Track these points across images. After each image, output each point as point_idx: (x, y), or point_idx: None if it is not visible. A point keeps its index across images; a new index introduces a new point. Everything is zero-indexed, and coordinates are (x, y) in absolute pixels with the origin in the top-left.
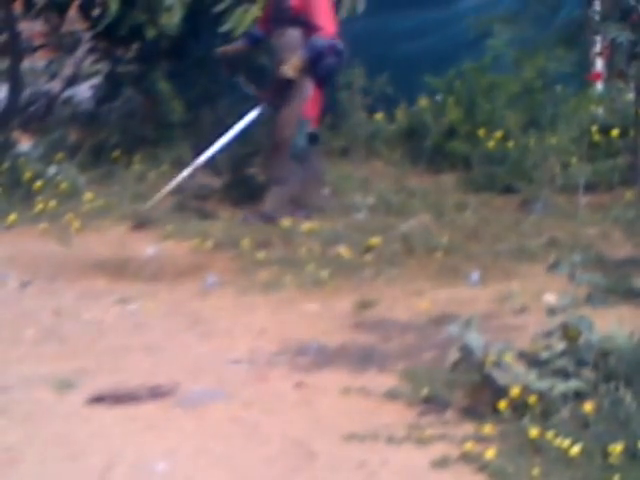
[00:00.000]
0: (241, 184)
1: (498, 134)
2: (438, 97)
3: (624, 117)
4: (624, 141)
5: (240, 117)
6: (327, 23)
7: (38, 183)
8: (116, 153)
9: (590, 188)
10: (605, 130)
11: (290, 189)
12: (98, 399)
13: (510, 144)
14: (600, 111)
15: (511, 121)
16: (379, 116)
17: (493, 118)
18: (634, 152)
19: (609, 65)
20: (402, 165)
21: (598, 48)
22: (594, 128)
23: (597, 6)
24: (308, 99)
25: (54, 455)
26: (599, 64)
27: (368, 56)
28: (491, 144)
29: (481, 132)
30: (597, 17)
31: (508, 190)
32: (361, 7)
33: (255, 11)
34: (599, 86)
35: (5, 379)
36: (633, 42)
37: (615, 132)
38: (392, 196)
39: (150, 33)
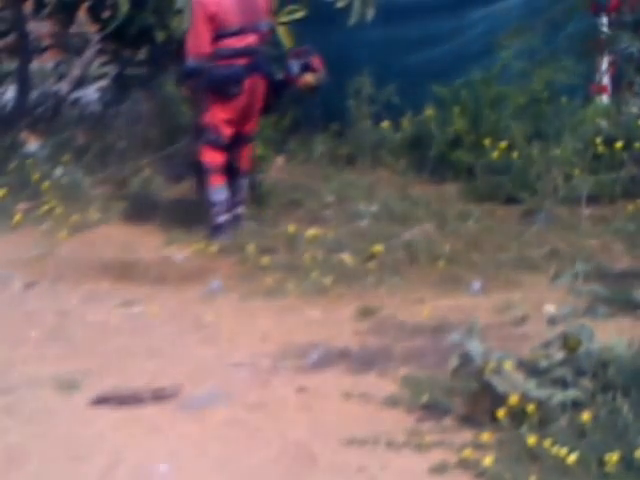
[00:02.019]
0: (249, 189)
1: (503, 145)
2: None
3: (628, 130)
4: (628, 154)
5: None
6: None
7: (44, 184)
8: (123, 156)
9: (592, 200)
10: (609, 142)
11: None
12: (101, 401)
13: (514, 155)
14: (605, 123)
15: (516, 132)
16: (385, 125)
17: (498, 128)
18: (638, 164)
19: (615, 78)
20: (406, 174)
21: (606, 60)
22: (598, 140)
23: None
24: (206, 109)
25: (57, 455)
26: (605, 76)
27: (375, 65)
28: (495, 154)
29: (486, 142)
30: (607, 28)
31: (511, 200)
32: (370, 15)
33: None
34: (604, 98)
35: (9, 380)
36: None
37: (619, 144)
38: (396, 204)
39: (160, 36)
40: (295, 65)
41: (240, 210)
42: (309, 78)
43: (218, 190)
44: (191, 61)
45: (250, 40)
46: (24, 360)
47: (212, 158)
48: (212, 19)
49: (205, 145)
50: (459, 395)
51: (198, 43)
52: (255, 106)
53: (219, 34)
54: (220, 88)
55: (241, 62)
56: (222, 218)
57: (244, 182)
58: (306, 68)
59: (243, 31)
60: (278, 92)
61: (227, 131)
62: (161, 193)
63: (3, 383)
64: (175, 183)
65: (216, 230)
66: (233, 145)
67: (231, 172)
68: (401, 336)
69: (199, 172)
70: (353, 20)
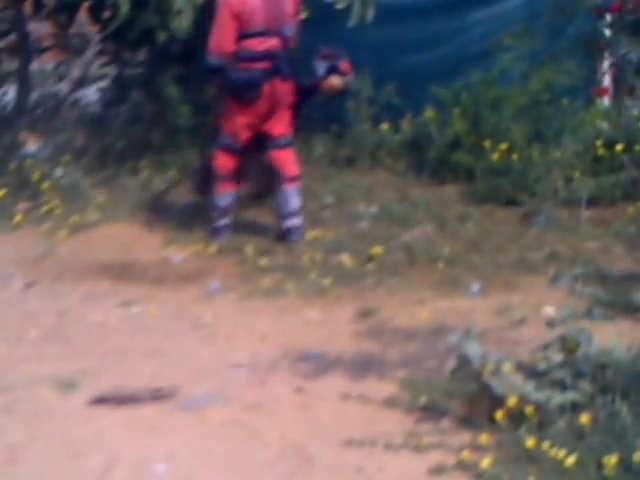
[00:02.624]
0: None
1: (503, 146)
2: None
3: (629, 132)
4: (628, 156)
5: None
6: (212, 40)
7: (44, 184)
8: (122, 157)
9: (592, 202)
10: (609, 145)
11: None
12: (100, 400)
13: (514, 157)
14: (605, 126)
15: (516, 134)
16: (384, 126)
17: (498, 130)
18: (638, 167)
19: (616, 80)
20: (406, 175)
21: (607, 62)
22: (599, 143)
23: (608, 20)
24: (223, 112)
25: (55, 454)
26: (606, 79)
27: (375, 66)
28: (495, 156)
29: (486, 144)
30: (608, 31)
31: (511, 202)
32: (370, 16)
33: None
34: (605, 101)
35: (8, 378)
36: None
37: (619, 147)
38: (395, 206)
39: (160, 37)
40: (321, 66)
41: (293, 222)
42: (335, 81)
43: (225, 196)
44: (213, 59)
45: (272, 43)
46: (23, 359)
47: (224, 163)
48: (237, 18)
49: (219, 148)
50: (457, 397)
51: (221, 41)
52: (278, 110)
53: (242, 34)
54: (238, 92)
55: (261, 66)
56: (222, 222)
57: (293, 191)
58: (333, 70)
59: (266, 33)
60: (305, 95)
61: (244, 135)
62: (160, 194)
63: (2, 382)
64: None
65: (215, 233)
66: (264, 151)
67: (276, 180)
68: (400, 337)
69: (205, 173)
70: (353, 21)
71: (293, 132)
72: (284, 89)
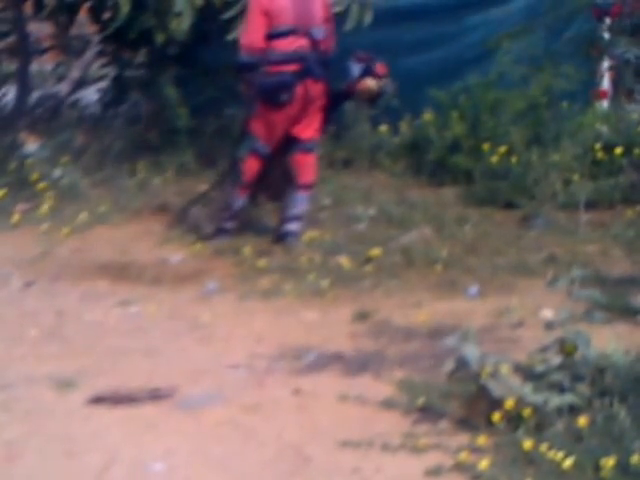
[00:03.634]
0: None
1: (501, 149)
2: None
3: (628, 135)
4: (627, 159)
5: None
6: (243, 37)
7: (43, 184)
8: (121, 158)
9: (591, 205)
10: (609, 148)
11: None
12: (98, 399)
13: (513, 160)
14: (604, 129)
15: (515, 137)
16: (383, 128)
17: (497, 133)
18: (637, 170)
19: (615, 83)
20: (404, 177)
21: (606, 65)
22: (597, 146)
23: (607, 22)
24: (254, 116)
25: (53, 452)
26: (605, 82)
27: None
28: (494, 159)
29: (485, 147)
30: (607, 33)
31: (509, 205)
32: (368, 19)
33: None
34: (604, 104)
35: (7, 377)
36: None
37: (619, 150)
38: (393, 208)
39: (160, 38)
40: (356, 68)
41: (293, 226)
42: (370, 83)
43: (241, 200)
44: (244, 56)
45: (301, 43)
46: (22, 358)
47: (251, 168)
48: (266, 14)
49: (249, 153)
50: (455, 398)
51: (252, 37)
52: (309, 113)
53: (271, 33)
54: (270, 96)
55: (291, 68)
56: (229, 224)
57: (302, 197)
58: (367, 72)
59: (295, 32)
60: (338, 99)
61: (275, 140)
62: (159, 194)
63: (0, 381)
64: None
65: (218, 232)
66: (286, 152)
67: (288, 184)
68: (397, 339)
69: (236, 173)
70: (350, 25)
71: (321, 136)
72: (316, 91)
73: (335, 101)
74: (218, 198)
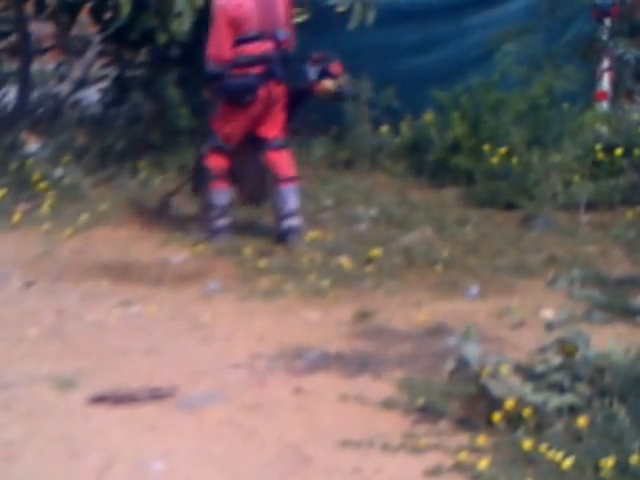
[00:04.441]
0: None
1: (502, 150)
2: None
3: (628, 136)
4: (628, 160)
5: None
6: (210, 47)
7: (44, 184)
8: (122, 158)
9: (591, 206)
10: (609, 149)
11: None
12: (99, 399)
13: (514, 160)
14: (605, 130)
15: (516, 137)
16: (384, 129)
17: (498, 134)
18: (637, 171)
19: (615, 84)
20: (405, 178)
21: (605, 65)
22: (598, 147)
23: (608, 22)
24: (217, 114)
25: (54, 452)
26: (605, 83)
27: (375, 69)
28: (495, 160)
29: (485, 148)
30: (606, 33)
31: (510, 206)
32: (371, 19)
33: None
34: (605, 105)
35: (7, 377)
36: None
37: (619, 151)
38: (394, 209)
39: (162, 38)
40: (312, 71)
41: (292, 222)
42: (327, 84)
43: (220, 193)
44: (212, 66)
45: (267, 47)
46: (22, 358)
47: (217, 163)
48: (233, 24)
49: (211, 150)
50: (455, 398)
51: (219, 48)
52: (272, 113)
53: (238, 39)
54: (234, 97)
55: (256, 71)
56: (220, 222)
57: (290, 191)
58: (324, 74)
59: (261, 37)
60: (298, 99)
61: (237, 138)
62: (160, 194)
63: (1, 380)
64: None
65: (214, 234)
66: (258, 154)
67: (273, 182)
68: (398, 339)
69: (199, 175)
70: (353, 24)
71: (288, 134)
72: (279, 92)
73: (296, 100)
74: (200, 203)
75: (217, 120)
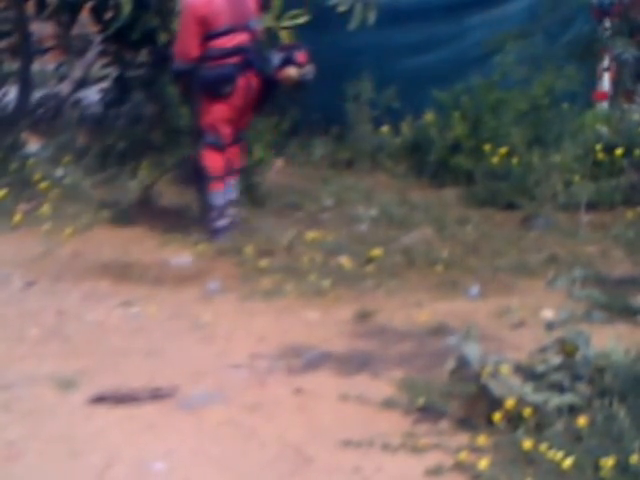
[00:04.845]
0: (247, 191)
1: (503, 150)
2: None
3: (629, 136)
4: (628, 161)
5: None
6: (177, 45)
7: (45, 184)
8: (123, 158)
9: (592, 206)
10: (609, 149)
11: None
12: (99, 399)
13: (514, 160)
14: (605, 130)
15: (516, 138)
16: (385, 129)
17: (498, 134)
18: (638, 172)
19: (615, 84)
20: (406, 178)
21: (605, 65)
22: (598, 147)
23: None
24: (202, 111)
25: (54, 452)
26: (606, 83)
27: (376, 69)
28: (495, 160)
29: (486, 148)
30: (606, 33)
31: (510, 206)
32: (372, 19)
33: (268, 20)
34: (605, 105)
35: (8, 377)
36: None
37: (619, 151)
38: (395, 209)
39: (162, 38)
40: (276, 58)
41: (232, 211)
42: (291, 71)
43: (217, 194)
44: (178, 63)
45: (241, 39)
46: (23, 358)
47: (214, 162)
48: (203, 22)
49: (205, 148)
50: (456, 398)
51: (186, 46)
52: (250, 104)
53: (209, 35)
54: (213, 88)
55: (232, 61)
56: (222, 222)
57: (233, 182)
58: (288, 61)
59: (233, 30)
60: (269, 89)
61: (226, 130)
62: (161, 194)
63: (2, 380)
64: (185, 188)
65: (216, 234)
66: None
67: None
68: (398, 339)
69: (200, 176)
70: (354, 24)
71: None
72: (256, 82)
73: (265, 90)
74: (200, 205)
75: (202, 117)
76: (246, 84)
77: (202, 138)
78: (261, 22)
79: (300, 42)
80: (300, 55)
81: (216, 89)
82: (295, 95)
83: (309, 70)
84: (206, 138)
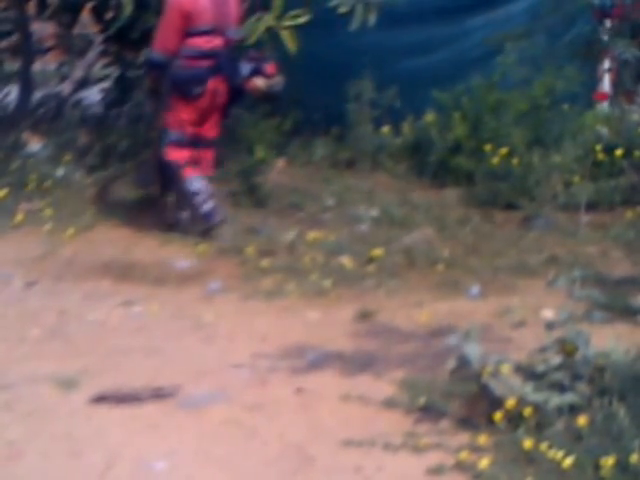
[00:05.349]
0: (248, 191)
1: (503, 151)
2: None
3: (628, 137)
4: (628, 161)
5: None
6: (158, 36)
7: (46, 184)
8: (124, 157)
9: (592, 207)
10: (609, 150)
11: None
12: (100, 399)
13: (514, 161)
14: (605, 131)
15: (516, 138)
16: (385, 129)
17: (499, 135)
18: (637, 172)
19: (615, 85)
20: (407, 178)
21: (605, 66)
22: (598, 147)
23: (608, 24)
24: (168, 110)
25: (56, 451)
26: (606, 84)
27: (377, 70)
28: (495, 160)
29: (486, 148)
30: (607, 34)
31: (510, 206)
32: (372, 20)
33: (268, 20)
34: (605, 106)
35: (9, 377)
36: None
37: (619, 152)
38: (396, 209)
39: None
40: (245, 68)
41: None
42: (258, 82)
43: (194, 178)
44: (156, 54)
45: (217, 43)
46: (24, 358)
47: (177, 155)
48: (187, 17)
49: (169, 145)
50: (456, 398)
51: (166, 39)
52: (216, 109)
53: (190, 32)
54: (184, 88)
55: (205, 64)
56: (208, 205)
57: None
58: (256, 72)
59: (212, 32)
60: (235, 97)
61: (188, 130)
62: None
63: (3, 380)
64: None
65: (207, 218)
66: (193, 147)
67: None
68: (399, 339)
69: (166, 173)
70: (355, 25)
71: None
72: (224, 88)
73: (232, 97)
74: (179, 198)
75: (169, 115)
76: (214, 89)
77: (165, 136)
78: (238, 32)
79: (267, 53)
80: (269, 67)
81: (187, 90)
82: (267, 105)
83: (277, 82)
84: (170, 136)
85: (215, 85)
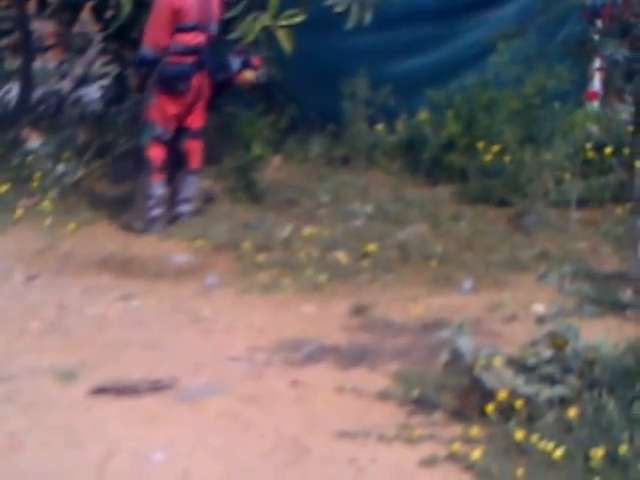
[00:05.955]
0: (245, 187)
1: (495, 148)
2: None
3: (618, 135)
4: (617, 159)
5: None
6: (149, 32)
7: (46, 180)
8: (124, 154)
9: (582, 203)
10: (599, 148)
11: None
12: (100, 391)
13: (506, 158)
14: (595, 129)
15: (508, 136)
16: (380, 127)
17: (491, 132)
18: (626, 170)
19: (606, 84)
20: (401, 175)
21: (596, 66)
22: (588, 145)
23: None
24: (153, 104)
25: (55, 443)
26: (596, 83)
27: (372, 69)
28: (488, 158)
29: (479, 146)
30: (597, 34)
31: (502, 203)
32: (368, 19)
33: (264, 19)
34: (596, 104)
35: (10, 369)
36: (630, 59)
37: (609, 150)
38: (390, 205)
39: None
40: (236, 62)
41: (185, 208)
42: (248, 75)
43: (158, 185)
44: (147, 51)
45: (201, 38)
46: (24, 351)
47: (156, 154)
48: (176, 13)
49: (151, 140)
50: (449, 390)
51: (157, 34)
52: (200, 103)
53: (178, 28)
54: (170, 84)
55: (190, 60)
56: (156, 212)
57: (193, 179)
58: (246, 65)
59: (197, 28)
60: (220, 90)
61: (172, 126)
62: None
63: (3, 372)
64: (120, 183)
65: (150, 222)
66: (178, 140)
67: (178, 168)
68: (393, 332)
69: (143, 167)
70: (350, 24)
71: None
72: (207, 82)
73: (218, 90)
74: (137, 192)
75: (153, 110)
76: (199, 83)
77: (149, 129)
78: (217, 27)
79: (249, 47)
80: (256, 59)
81: (173, 86)
82: (252, 96)
83: (262, 73)
84: (154, 131)
85: (199, 80)
